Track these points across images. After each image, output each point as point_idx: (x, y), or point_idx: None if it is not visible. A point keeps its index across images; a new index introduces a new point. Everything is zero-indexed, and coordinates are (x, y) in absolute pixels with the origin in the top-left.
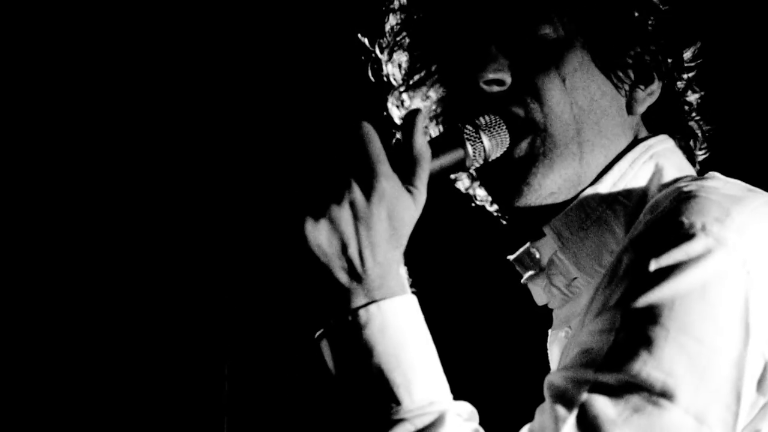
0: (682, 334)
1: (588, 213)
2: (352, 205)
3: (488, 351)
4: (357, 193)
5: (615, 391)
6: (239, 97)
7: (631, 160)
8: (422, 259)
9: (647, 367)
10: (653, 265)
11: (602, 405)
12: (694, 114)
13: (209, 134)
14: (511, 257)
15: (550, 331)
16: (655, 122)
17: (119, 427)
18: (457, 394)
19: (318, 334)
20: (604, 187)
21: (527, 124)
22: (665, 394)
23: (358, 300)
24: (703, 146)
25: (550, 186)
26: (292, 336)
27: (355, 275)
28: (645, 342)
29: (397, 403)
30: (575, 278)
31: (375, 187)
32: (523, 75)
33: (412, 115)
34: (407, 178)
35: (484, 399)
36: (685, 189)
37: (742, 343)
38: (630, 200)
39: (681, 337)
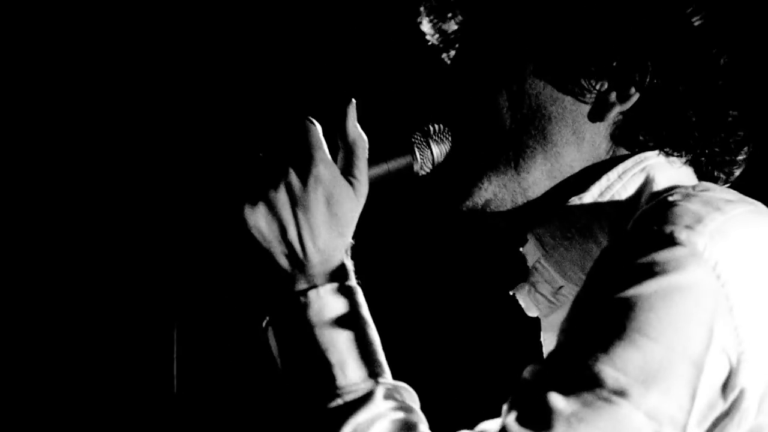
0: (639, 334)
1: (572, 221)
2: (289, 189)
3: (483, 356)
4: (294, 177)
5: (567, 386)
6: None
7: (621, 171)
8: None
9: (600, 364)
10: (619, 270)
11: (553, 399)
12: (699, 128)
13: (156, 122)
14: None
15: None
16: (653, 134)
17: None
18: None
19: (264, 321)
20: (590, 196)
21: (465, 131)
22: (617, 391)
23: (299, 285)
24: (719, 163)
25: (484, 192)
26: (238, 323)
27: (296, 260)
28: (602, 340)
29: (332, 380)
30: (561, 287)
31: (312, 171)
32: (466, 78)
33: (344, 106)
34: (346, 169)
35: (480, 403)
36: (668, 198)
37: (703, 346)
38: (617, 210)
39: (637, 337)
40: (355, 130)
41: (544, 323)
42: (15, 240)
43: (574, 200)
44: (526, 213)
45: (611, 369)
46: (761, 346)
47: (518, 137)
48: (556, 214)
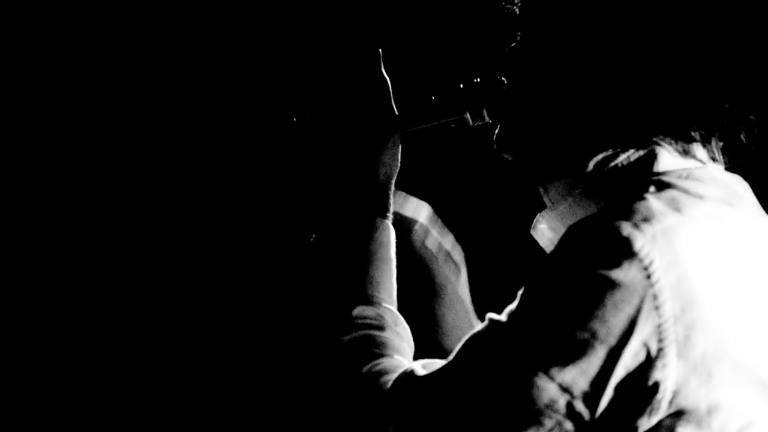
0: (566, 318)
1: (578, 181)
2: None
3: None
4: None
5: (496, 355)
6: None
7: (629, 144)
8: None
9: (527, 341)
10: (566, 256)
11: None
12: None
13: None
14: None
15: None
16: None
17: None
18: None
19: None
20: (594, 162)
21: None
22: (538, 366)
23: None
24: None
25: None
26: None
27: (384, 193)
28: (535, 320)
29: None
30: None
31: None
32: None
33: (372, 54)
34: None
35: None
36: (645, 188)
37: (624, 337)
38: (617, 179)
39: (564, 321)
40: (383, 74)
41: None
42: (15, 240)
43: (591, 165)
44: (548, 168)
45: (536, 347)
46: (683, 346)
47: (560, 104)
48: (566, 172)
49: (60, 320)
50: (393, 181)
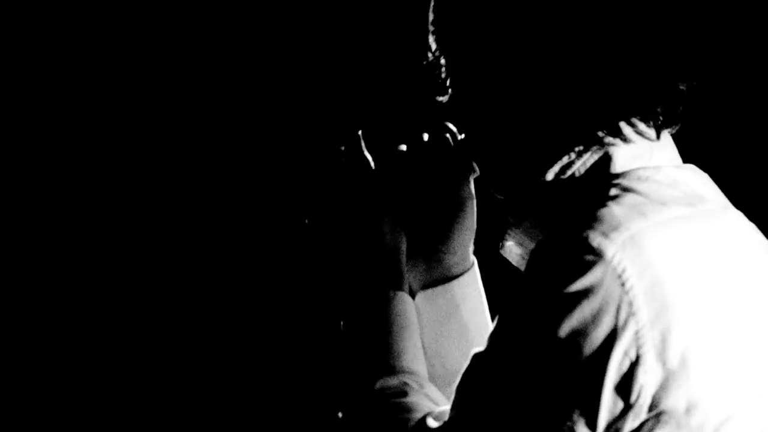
0: (547, 335)
1: (539, 194)
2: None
3: None
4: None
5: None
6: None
7: (581, 148)
8: None
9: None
10: (538, 274)
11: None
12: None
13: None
14: None
15: None
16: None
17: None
18: None
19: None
20: (552, 173)
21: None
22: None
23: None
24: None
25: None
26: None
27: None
28: (518, 340)
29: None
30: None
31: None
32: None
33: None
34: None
35: None
36: (604, 195)
37: (606, 348)
38: (573, 190)
39: (545, 338)
40: (365, 156)
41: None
42: (15, 240)
43: (542, 176)
44: (508, 185)
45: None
46: (660, 349)
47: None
48: (526, 186)
49: (56, 320)
50: (402, 247)
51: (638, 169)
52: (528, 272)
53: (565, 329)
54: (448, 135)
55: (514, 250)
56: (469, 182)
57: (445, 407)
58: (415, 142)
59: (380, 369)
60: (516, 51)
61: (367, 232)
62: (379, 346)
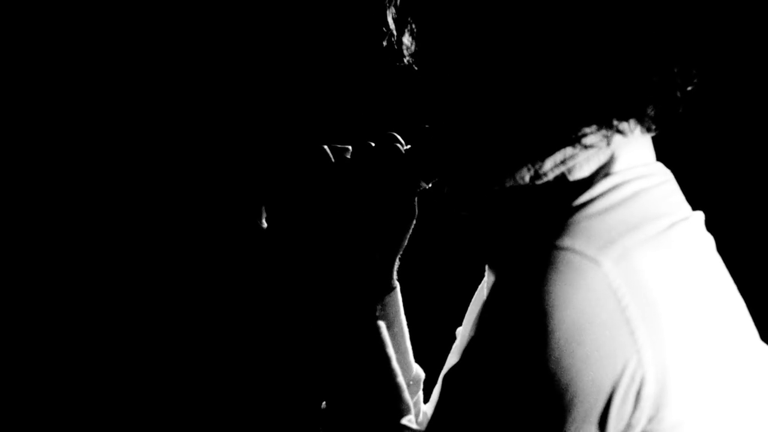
0: (548, 362)
1: (514, 211)
2: None
3: None
4: None
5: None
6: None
7: (585, 145)
8: None
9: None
10: (528, 288)
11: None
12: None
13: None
14: None
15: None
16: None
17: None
18: None
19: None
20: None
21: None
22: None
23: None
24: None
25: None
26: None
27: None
28: (510, 368)
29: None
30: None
31: None
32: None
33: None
34: None
35: None
36: (585, 206)
37: (611, 375)
38: (569, 188)
39: (544, 365)
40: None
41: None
42: (14, 240)
43: (529, 167)
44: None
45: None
46: (656, 365)
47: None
48: (501, 193)
49: (51, 320)
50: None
51: (629, 169)
52: (515, 284)
53: (562, 350)
54: (397, 144)
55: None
56: (413, 196)
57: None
58: (361, 148)
59: (372, 413)
60: (510, 46)
61: (337, 246)
62: (362, 397)
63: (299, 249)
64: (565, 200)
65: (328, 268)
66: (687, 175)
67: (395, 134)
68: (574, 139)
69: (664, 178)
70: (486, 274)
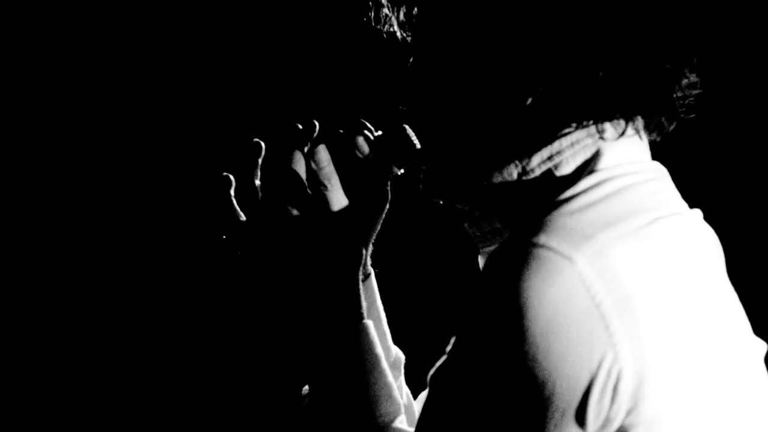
0: (526, 358)
1: (495, 206)
2: None
3: None
4: None
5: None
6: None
7: (570, 142)
8: None
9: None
10: (504, 287)
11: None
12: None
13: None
14: None
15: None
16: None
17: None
18: None
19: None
20: (535, 161)
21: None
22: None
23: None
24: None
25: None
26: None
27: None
28: (486, 367)
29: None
30: (499, 228)
31: None
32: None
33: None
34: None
35: None
36: (567, 202)
37: (585, 365)
38: (554, 183)
39: (523, 361)
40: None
41: (481, 255)
42: (14, 240)
43: (517, 163)
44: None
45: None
46: (634, 359)
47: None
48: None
49: (48, 320)
50: (358, 261)
51: (615, 166)
52: (491, 281)
53: (538, 346)
54: (366, 132)
55: (484, 226)
56: (385, 182)
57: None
58: (330, 136)
59: (361, 427)
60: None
61: (311, 257)
62: (353, 395)
63: (275, 240)
64: (548, 196)
65: (306, 260)
66: (689, 173)
67: (364, 121)
68: (560, 135)
69: (654, 175)
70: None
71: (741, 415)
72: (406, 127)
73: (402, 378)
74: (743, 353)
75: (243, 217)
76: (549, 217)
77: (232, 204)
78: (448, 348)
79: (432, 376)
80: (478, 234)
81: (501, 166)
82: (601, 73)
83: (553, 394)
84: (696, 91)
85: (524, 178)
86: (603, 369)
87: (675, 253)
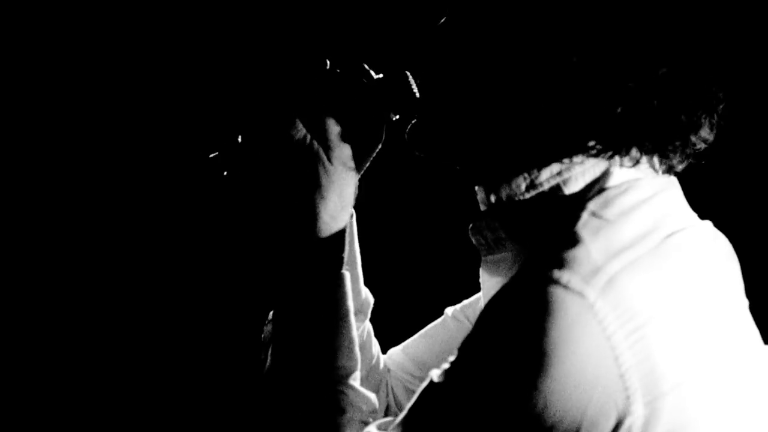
0: (534, 385)
1: (508, 211)
2: None
3: None
4: None
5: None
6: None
7: (581, 160)
8: None
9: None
10: (515, 317)
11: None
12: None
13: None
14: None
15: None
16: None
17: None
18: None
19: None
20: (544, 176)
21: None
22: None
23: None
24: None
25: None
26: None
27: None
28: (497, 389)
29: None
30: (503, 237)
31: None
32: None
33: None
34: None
35: None
36: (577, 224)
37: (590, 394)
38: (560, 200)
39: (531, 387)
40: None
41: (483, 263)
42: (14, 240)
43: (526, 176)
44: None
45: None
46: (646, 386)
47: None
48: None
49: (46, 320)
50: (343, 218)
51: (623, 183)
52: (499, 312)
53: (547, 381)
54: (367, 73)
55: (487, 234)
56: (381, 124)
57: (385, 419)
58: (327, 75)
59: (318, 375)
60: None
61: (298, 207)
62: (317, 344)
63: (262, 165)
64: (556, 215)
65: (292, 195)
66: (698, 182)
67: (365, 65)
68: (573, 152)
69: (664, 187)
70: (481, 276)
71: (756, 428)
72: (408, 74)
73: (367, 323)
74: (754, 365)
75: (239, 139)
76: (560, 244)
77: (234, 125)
78: (451, 358)
79: (429, 384)
80: (482, 242)
81: (509, 177)
82: (619, 110)
83: (558, 422)
84: (709, 140)
85: (532, 191)
86: (610, 401)
87: (688, 269)
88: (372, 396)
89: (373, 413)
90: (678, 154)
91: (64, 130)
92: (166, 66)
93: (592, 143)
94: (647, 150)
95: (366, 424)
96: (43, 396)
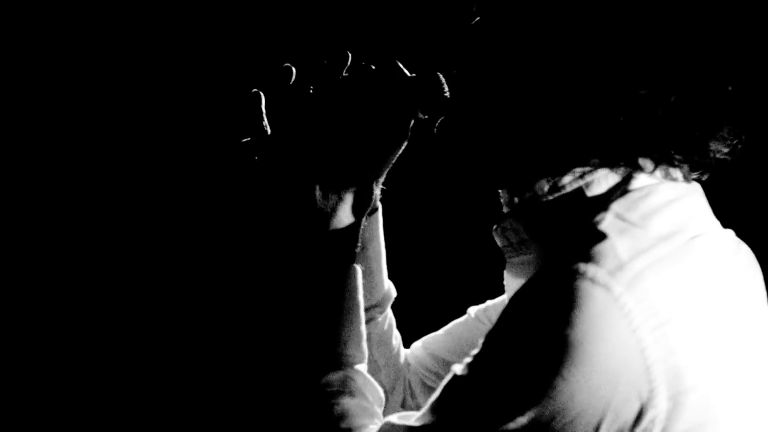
0: (556, 375)
1: (531, 212)
2: None
3: None
4: None
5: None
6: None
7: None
8: None
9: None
10: (540, 310)
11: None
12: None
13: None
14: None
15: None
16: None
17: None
18: None
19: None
20: (567, 179)
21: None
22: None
23: None
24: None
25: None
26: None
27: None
28: (516, 380)
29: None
30: (526, 239)
31: None
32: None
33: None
34: None
35: None
36: (600, 225)
37: (612, 388)
38: (583, 202)
39: (554, 378)
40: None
41: (508, 265)
42: (14, 240)
43: (549, 179)
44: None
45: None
46: (669, 380)
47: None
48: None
49: (45, 320)
50: (363, 216)
51: (647, 186)
52: (525, 305)
53: (573, 372)
54: (399, 71)
55: (510, 234)
56: (408, 121)
57: (407, 413)
58: (361, 71)
59: (326, 360)
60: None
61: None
62: (326, 330)
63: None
64: (582, 219)
65: (314, 184)
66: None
67: (399, 63)
68: (597, 155)
69: (684, 193)
70: (505, 278)
71: None
72: (440, 74)
73: (389, 312)
74: None
75: (269, 130)
76: (586, 241)
77: (261, 115)
78: (474, 352)
79: (451, 380)
80: (506, 244)
81: (533, 179)
82: (637, 118)
83: (578, 416)
84: (730, 149)
85: (555, 193)
86: (632, 392)
87: (712, 271)
88: (379, 388)
89: (379, 405)
90: (696, 163)
91: (65, 130)
92: (177, 60)
93: (611, 150)
94: (667, 159)
95: (373, 415)
96: (43, 396)
